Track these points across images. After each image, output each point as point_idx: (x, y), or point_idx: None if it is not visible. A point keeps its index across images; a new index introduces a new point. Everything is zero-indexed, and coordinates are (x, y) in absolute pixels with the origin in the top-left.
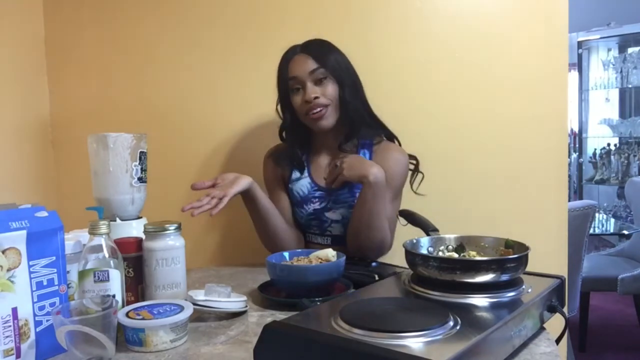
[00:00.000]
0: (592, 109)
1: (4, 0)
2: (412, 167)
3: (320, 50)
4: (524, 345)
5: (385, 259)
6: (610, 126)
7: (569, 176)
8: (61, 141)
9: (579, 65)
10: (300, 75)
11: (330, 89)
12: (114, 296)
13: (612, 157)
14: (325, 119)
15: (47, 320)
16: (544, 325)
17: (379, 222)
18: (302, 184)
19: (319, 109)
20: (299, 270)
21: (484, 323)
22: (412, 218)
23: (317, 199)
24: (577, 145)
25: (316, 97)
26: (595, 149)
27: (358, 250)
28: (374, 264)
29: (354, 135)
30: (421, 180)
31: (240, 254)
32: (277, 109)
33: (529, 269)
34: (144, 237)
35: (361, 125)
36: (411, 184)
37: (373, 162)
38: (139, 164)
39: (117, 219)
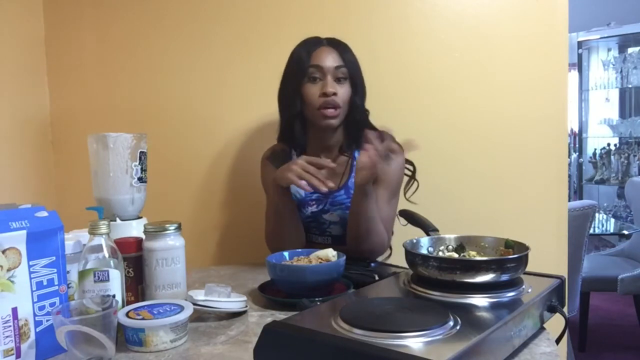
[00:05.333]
0: (592, 109)
1: (4, 0)
2: (408, 173)
3: (345, 50)
4: (524, 345)
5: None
6: (610, 126)
7: (569, 176)
8: (61, 141)
9: (579, 65)
10: (326, 67)
11: (346, 91)
12: (114, 296)
13: (612, 157)
14: (336, 118)
15: (47, 320)
16: (544, 325)
17: (376, 226)
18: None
19: (332, 107)
20: (299, 270)
21: (484, 323)
22: (412, 218)
23: (314, 202)
24: (577, 145)
25: (334, 94)
26: (595, 149)
27: (358, 253)
28: (373, 264)
29: (359, 139)
30: (416, 189)
31: (240, 254)
32: (279, 97)
33: (529, 269)
34: (144, 237)
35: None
36: (405, 191)
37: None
38: (139, 164)
39: (117, 219)
